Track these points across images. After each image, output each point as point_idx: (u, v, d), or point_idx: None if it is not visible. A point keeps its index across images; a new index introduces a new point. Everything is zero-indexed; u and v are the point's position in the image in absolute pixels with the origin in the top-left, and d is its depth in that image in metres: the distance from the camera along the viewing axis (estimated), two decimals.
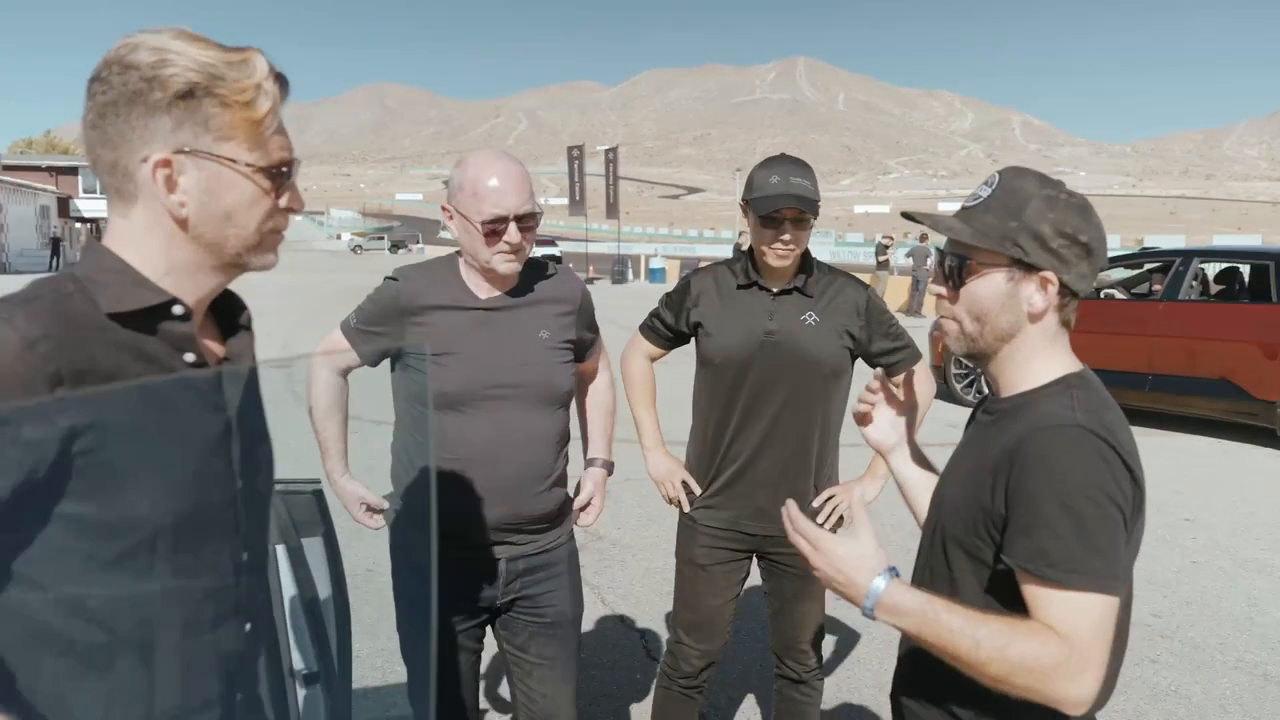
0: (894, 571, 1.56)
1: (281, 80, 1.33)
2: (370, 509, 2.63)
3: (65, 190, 56.62)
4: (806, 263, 2.94)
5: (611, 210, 40.09)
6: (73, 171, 59.01)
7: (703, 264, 3.84)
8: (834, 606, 4.68)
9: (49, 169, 58.68)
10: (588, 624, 4.87)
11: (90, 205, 58.74)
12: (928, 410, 3.07)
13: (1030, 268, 1.58)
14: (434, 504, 2.20)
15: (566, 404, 2.60)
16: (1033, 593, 1.48)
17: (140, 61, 1.24)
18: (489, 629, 2.69)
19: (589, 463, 2.85)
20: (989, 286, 1.61)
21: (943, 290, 1.67)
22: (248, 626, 1.43)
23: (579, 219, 44.45)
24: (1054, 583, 1.46)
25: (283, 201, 1.37)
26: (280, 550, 2.31)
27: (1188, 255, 10.17)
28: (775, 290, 2.92)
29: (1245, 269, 10.29)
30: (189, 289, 1.34)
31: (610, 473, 2.88)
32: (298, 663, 2.27)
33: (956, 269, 1.64)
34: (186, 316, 1.33)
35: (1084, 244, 1.59)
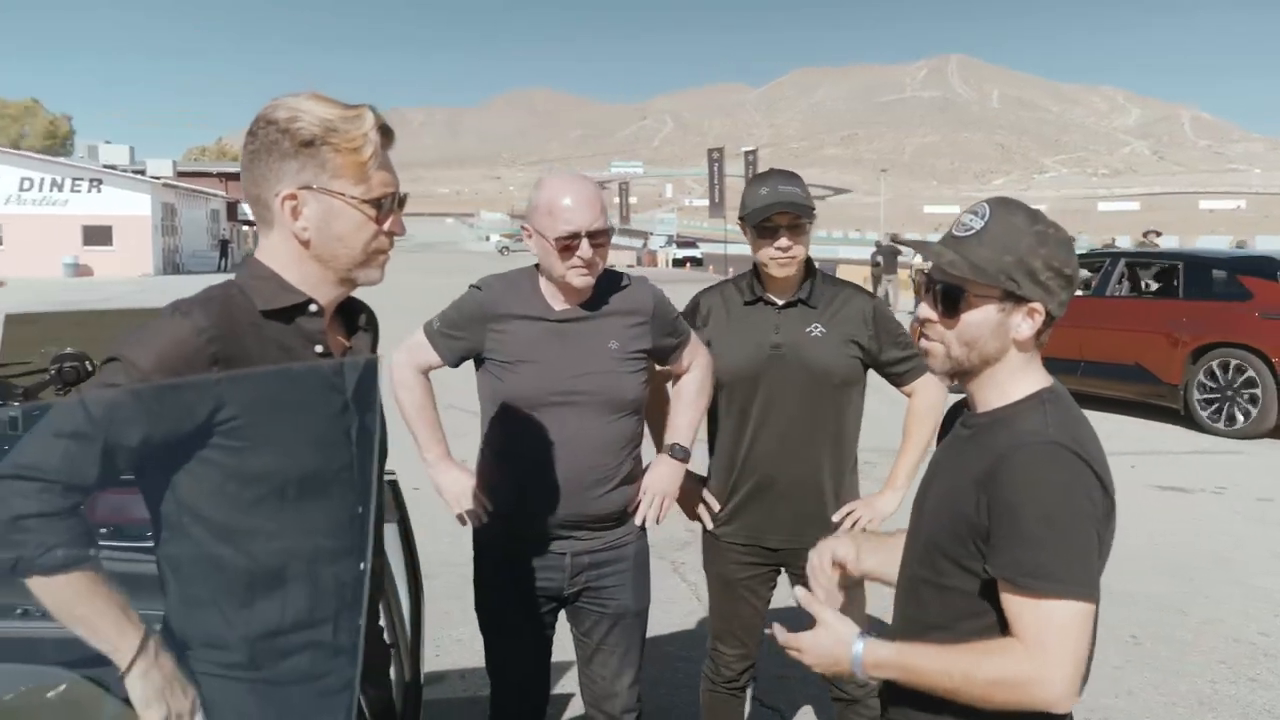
0: (864, 634, 1.73)
1: (385, 130, 1.66)
2: (463, 507, 2.72)
3: (234, 195, 59.78)
4: (811, 274, 2.98)
5: None
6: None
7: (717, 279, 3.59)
8: (884, 613, 4.65)
9: (219, 175, 62.20)
10: (678, 617, 5.05)
11: None
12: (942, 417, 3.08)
13: (1021, 299, 1.68)
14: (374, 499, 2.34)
15: (636, 410, 2.71)
16: (1009, 600, 1.59)
17: (278, 118, 1.60)
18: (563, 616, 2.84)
19: (664, 449, 2.82)
20: (981, 316, 1.70)
21: (932, 315, 1.75)
22: (361, 566, 1.71)
23: (719, 220, 44.49)
24: (1029, 590, 1.56)
25: (386, 226, 1.68)
26: None
27: (1115, 256, 12.06)
28: (781, 304, 2.97)
29: (1166, 268, 11.52)
30: (316, 296, 1.68)
31: (680, 458, 2.80)
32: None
33: (949, 297, 1.72)
34: (320, 314, 1.69)
35: (1067, 276, 1.69)
